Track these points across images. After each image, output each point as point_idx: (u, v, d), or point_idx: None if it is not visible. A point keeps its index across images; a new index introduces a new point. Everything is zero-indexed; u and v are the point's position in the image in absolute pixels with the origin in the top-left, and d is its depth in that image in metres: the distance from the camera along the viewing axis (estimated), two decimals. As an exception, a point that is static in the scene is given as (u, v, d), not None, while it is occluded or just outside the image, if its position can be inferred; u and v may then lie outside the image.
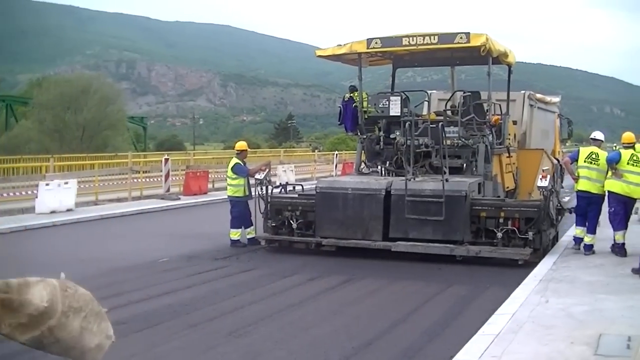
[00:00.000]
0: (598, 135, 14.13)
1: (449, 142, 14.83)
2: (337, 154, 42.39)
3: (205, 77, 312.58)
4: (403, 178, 13.64)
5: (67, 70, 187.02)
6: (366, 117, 16.23)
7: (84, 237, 17.66)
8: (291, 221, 14.65)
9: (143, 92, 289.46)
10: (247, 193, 15.45)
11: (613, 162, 12.97)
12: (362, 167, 16.67)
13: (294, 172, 34.87)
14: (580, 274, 11.23)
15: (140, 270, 12.56)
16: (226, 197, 16.21)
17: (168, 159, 27.33)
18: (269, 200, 15.00)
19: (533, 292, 9.92)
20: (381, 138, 15.87)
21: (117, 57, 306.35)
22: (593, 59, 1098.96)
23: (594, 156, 13.40)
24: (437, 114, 16.08)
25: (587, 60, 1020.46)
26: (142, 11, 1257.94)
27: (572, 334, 7.62)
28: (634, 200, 12.80)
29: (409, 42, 14.78)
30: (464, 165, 15.06)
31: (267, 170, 15.54)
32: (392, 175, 15.24)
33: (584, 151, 13.77)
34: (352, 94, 16.75)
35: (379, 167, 16.10)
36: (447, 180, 13.18)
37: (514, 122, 17.70)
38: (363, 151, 16.55)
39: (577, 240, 13.66)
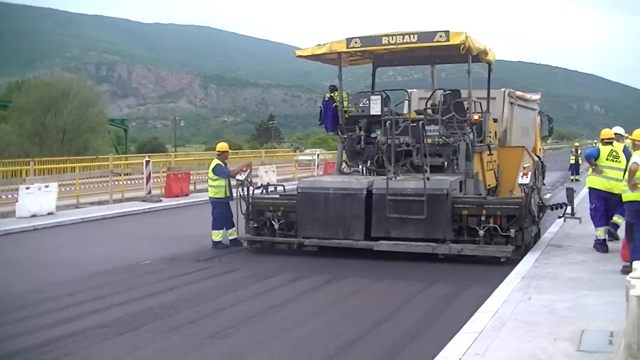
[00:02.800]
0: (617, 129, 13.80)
1: (429, 140, 14.88)
2: (318, 154, 42.36)
3: (185, 78, 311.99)
4: (384, 177, 13.67)
5: (46, 73, 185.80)
6: (347, 116, 16.25)
7: (65, 240, 17.56)
8: (273, 222, 14.62)
9: (123, 95, 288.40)
10: (228, 194, 15.40)
11: (592, 158, 13.03)
12: (343, 166, 16.67)
13: (275, 173, 34.83)
14: (562, 271, 11.27)
15: (122, 273, 12.50)
16: (207, 198, 16.15)
17: (149, 161, 27.20)
18: (250, 201, 14.97)
19: (515, 290, 9.94)
20: (362, 137, 15.85)
21: (97, 59, 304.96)
22: (572, 56, 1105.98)
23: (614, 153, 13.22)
24: (418, 112, 16.09)
25: (567, 58, 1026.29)
26: (122, 13, 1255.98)
27: (554, 331, 7.64)
28: (615, 196, 12.79)
29: (388, 41, 14.80)
30: (445, 163, 15.09)
31: (249, 171, 15.51)
32: (374, 174, 15.25)
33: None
34: (332, 94, 16.77)
35: (360, 167, 16.10)
36: (428, 179, 13.21)
37: (495, 120, 17.74)
38: (344, 151, 16.55)
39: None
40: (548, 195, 22.45)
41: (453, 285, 11.17)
